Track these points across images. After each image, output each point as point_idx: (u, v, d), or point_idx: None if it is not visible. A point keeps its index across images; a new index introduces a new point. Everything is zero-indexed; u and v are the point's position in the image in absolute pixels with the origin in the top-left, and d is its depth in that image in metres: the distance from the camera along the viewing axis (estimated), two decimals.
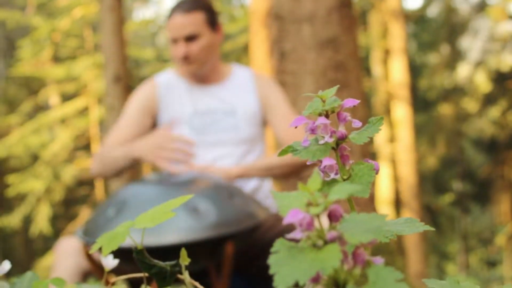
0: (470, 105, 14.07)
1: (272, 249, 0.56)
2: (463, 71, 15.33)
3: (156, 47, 16.66)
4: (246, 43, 10.59)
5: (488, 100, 13.08)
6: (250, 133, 2.29)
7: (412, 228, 0.65)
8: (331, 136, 0.64)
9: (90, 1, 11.38)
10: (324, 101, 0.65)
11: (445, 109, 13.20)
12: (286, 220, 0.55)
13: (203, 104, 2.31)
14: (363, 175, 0.64)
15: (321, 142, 0.64)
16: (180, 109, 2.30)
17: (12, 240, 13.84)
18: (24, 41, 11.68)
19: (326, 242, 0.55)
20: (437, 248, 15.68)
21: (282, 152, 0.66)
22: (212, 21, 2.28)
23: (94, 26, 12.23)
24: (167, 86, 2.35)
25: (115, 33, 7.02)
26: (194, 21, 2.21)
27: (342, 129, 0.65)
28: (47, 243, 14.13)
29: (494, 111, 13.63)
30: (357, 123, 0.65)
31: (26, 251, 13.73)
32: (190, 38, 2.22)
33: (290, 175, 2.23)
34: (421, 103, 14.72)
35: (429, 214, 13.43)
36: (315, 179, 0.59)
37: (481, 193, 14.44)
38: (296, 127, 2.10)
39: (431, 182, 14.87)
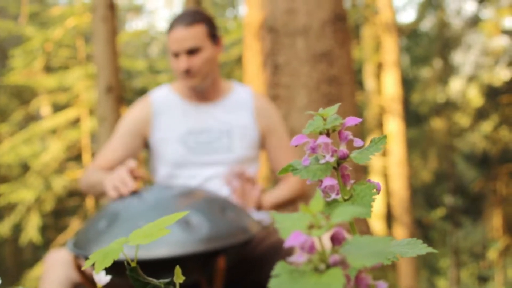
0: (462, 119, 14.10)
1: (273, 273, 0.54)
2: (455, 85, 15.38)
3: (148, 58, 16.65)
4: (239, 56, 10.59)
5: (480, 114, 13.12)
6: (244, 155, 2.28)
7: (415, 250, 0.63)
8: (332, 156, 0.63)
9: (83, 11, 11.37)
10: (325, 119, 0.63)
11: (437, 124, 13.23)
12: (288, 243, 0.54)
13: (198, 123, 2.29)
14: (364, 195, 0.63)
15: (322, 161, 0.63)
16: (174, 127, 2.28)
17: (1, 250, 13.73)
18: (16, 50, 11.64)
19: (328, 266, 0.53)
20: (428, 263, 15.65)
21: (282, 171, 0.65)
22: (213, 34, 2.27)
23: (87, 36, 12.21)
24: (162, 104, 2.34)
25: (107, 43, 7.00)
26: (196, 34, 2.20)
27: (343, 148, 0.64)
28: (36, 253, 14.02)
29: (486, 126, 13.67)
30: (359, 142, 0.64)
31: (15, 261, 13.62)
32: (192, 52, 2.21)
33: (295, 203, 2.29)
34: (413, 117, 14.75)
35: (421, 228, 13.43)
36: (317, 201, 0.57)
37: (473, 207, 14.44)
38: (290, 157, 2.10)
39: (423, 197, 14.87)
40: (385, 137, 0.65)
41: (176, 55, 2.22)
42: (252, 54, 3.72)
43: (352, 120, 0.64)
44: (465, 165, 15.39)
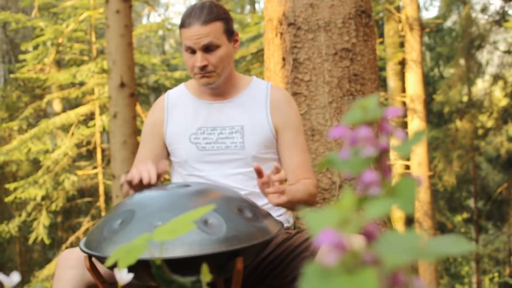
0: (488, 121, 13.92)
1: (303, 274, 0.51)
2: (480, 85, 15.23)
3: (165, 53, 16.64)
4: (257, 51, 10.54)
5: (505, 115, 12.98)
6: (258, 153, 2.21)
7: (460, 248, 0.59)
8: (373, 148, 0.59)
9: (96, 4, 11.32)
10: (366, 110, 0.60)
11: (462, 125, 13.08)
12: (318, 241, 0.50)
13: (210, 121, 2.24)
14: (405, 190, 0.59)
15: (362, 154, 0.59)
16: (185, 126, 2.25)
17: (9, 249, 13.75)
18: (27, 44, 11.62)
19: (362, 266, 0.50)
20: (449, 270, 15.53)
21: (321, 165, 0.61)
22: (230, 30, 2.21)
23: (102, 31, 12.19)
24: (175, 102, 2.31)
25: (121, 37, 6.91)
26: (213, 31, 2.14)
27: (383, 141, 0.60)
28: (45, 253, 14.04)
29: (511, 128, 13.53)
30: (400, 134, 0.60)
31: (23, 260, 13.63)
32: (209, 49, 2.15)
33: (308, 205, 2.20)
34: (437, 117, 14.61)
35: (443, 233, 13.30)
36: (348, 195, 0.54)
37: (497, 212, 14.26)
38: (302, 157, 2.01)
39: (445, 200, 14.73)
40: (425, 129, 0.61)
41: (192, 51, 2.16)
42: (273, 50, 3.68)
43: (394, 111, 0.60)
44: (489, 168, 15.24)
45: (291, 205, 1.99)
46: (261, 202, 2.14)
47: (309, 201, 2.14)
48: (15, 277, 0.88)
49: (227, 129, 2.23)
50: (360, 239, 0.52)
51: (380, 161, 0.60)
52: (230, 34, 2.20)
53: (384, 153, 0.60)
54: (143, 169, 1.91)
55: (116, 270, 0.91)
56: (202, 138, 2.23)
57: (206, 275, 0.80)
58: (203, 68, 2.15)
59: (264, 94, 2.29)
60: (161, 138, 2.29)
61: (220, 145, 2.21)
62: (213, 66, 2.16)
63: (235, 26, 15.44)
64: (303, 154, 2.26)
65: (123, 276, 0.94)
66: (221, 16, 2.17)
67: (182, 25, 2.17)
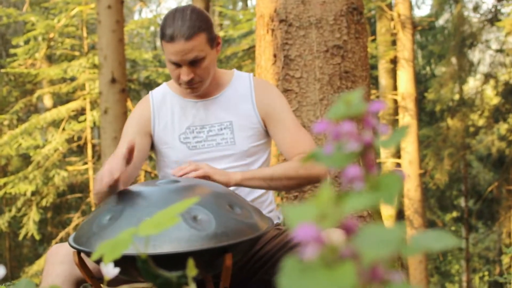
0: (478, 119, 13.95)
1: (282, 269, 0.51)
2: (472, 84, 15.25)
3: (157, 49, 16.56)
4: (249, 47, 10.51)
5: (497, 114, 13.01)
6: (249, 147, 2.21)
7: (443, 243, 0.59)
8: (357, 143, 0.59)
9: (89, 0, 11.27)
10: (350, 105, 0.60)
11: (453, 123, 13.10)
12: (296, 235, 0.50)
13: (198, 119, 2.24)
14: (389, 185, 0.59)
15: (346, 149, 0.59)
16: (174, 126, 2.24)
17: None
18: (18, 38, 11.55)
19: (340, 259, 0.50)
20: (439, 268, 15.56)
21: (305, 159, 0.61)
22: (212, 38, 2.18)
23: (93, 26, 12.14)
24: (160, 102, 2.29)
25: (112, 33, 6.87)
26: (198, 44, 2.09)
27: (367, 135, 0.60)
28: (35, 248, 13.98)
29: (503, 126, 13.55)
30: (384, 128, 0.60)
31: (13, 256, 13.56)
32: (194, 62, 2.12)
33: (293, 188, 2.16)
34: (428, 115, 14.62)
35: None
36: (326, 189, 0.54)
37: (488, 211, 14.28)
38: (301, 139, 1.98)
39: (436, 199, 14.75)
40: (407, 126, 0.61)
41: (177, 65, 2.13)
42: (264, 47, 3.68)
43: (377, 105, 0.60)
44: (480, 166, 15.26)
45: (251, 183, 2.04)
46: (252, 196, 2.15)
47: (295, 178, 2.11)
48: (1, 270, 0.87)
49: (216, 126, 2.22)
50: (339, 233, 0.52)
51: (365, 156, 0.60)
52: (212, 41, 2.17)
53: (368, 148, 0.59)
54: (105, 172, 1.85)
55: (102, 265, 0.91)
56: (192, 137, 2.22)
57: (192, 270, 0.80)
58: (189, 81, 2.14)
59: (248, 87, 2.29)
60: (147, 134, 2.27)
61: (210, 142, 2.21)
62: (200, 77, 2.15)
63: (226, 23, 15.35)
64: (296, 132, 2.23)
65: (109, 270, 0.94)
66: (202, 26, 2.12)
67: (163, 37, 2.12)
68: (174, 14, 2.14)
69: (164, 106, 2.28)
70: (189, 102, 2.26)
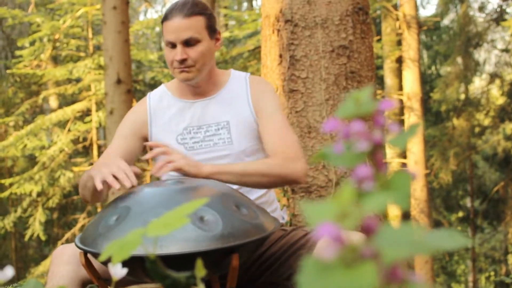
0: (484, 119, 13.91)
1: (301, 268, 0.50)
2: (477, 83, 15.20)
3: (162, 50, 16.56)
4: (255, 48, 10.51)
5: (502, 114, 12.97)
6: (246, 146, 2.20)
7: (456, 242, 0.58)
8: (367, 142, 0.58)
9: (94, 0, 11.27)
10: (359, 104, 0.59)
11: (458, 123, 13.07)
12: (316, 234, 0.50)
13: (195, 120, 2.24)
14: (399, 184, 0.59)
15: (356, 148, 0.58)
16: (171, 127, 2.24)
17: (5, 245, 13.69)
18: (24, 40, 11.56)
19: (360, 260, 0.49)
20: (445, 268, 15.51)
21: (315, 159, 0.61)
22: (212, 27, 2.19)
23: (99, 27, 12.15)
24: (157, 104, 2.29)
25: (118, 33, 6.89)
26: (195, 25, 2.13)
27: (377, 135, 0.59)
28: (41, 249, 13.99)
29: (509, 126, 13.51)
30: (394, 127, 0.60)
31: (19, 256, 13.57)
32: (189, 43, 2.13)
33: (266, 186, 2.12)
34: (434, 115, 14.58)
35: None
36: (348, 189, 0.53)
37: (494, 211, 14.23)
38: (285, 140, 1.95)
39: (441, 199, 14.71)
40: (419, 123, 0.61)
41: (172, 45, 2.15)
42: (270, 47, 3.68)
43: (387, 104, 0.60)
44: (486, 166, 15.21)
45: (221, 177, 1.99)
46: (253, 196, 2.14)
47: (268, 175, 2.07)
48: (9, 271, 0.87)
49: (213, 126, 2.22)
50: (359, 235, 0.52)
51: (375, 155, 0.59)
52: (212, 30, 2.19)
53: (378, 147, 0.59)
54: (119, 171, 1.85)
55: (110, 265, 0.90)
56: (189, 138, 2.22)
57: (200, 270, 0.80)
58: (182, 61, 2.13)
59: (244, 86, 2.28)
60: (140, 138, 2.26)
61: (208, 143, 2.21)
62: (193, 60, 2.14)
63: (232, 23, 15.31)
64: (282, 132, 2.19)
65: (117, 271, 0.94)
66: (203, 11, 2.16)
67: (164, 19, 2.17)
68: (177, 1, 2.19)
69: (161, 107, 2.28)
70: (186, 102, 2.26)
